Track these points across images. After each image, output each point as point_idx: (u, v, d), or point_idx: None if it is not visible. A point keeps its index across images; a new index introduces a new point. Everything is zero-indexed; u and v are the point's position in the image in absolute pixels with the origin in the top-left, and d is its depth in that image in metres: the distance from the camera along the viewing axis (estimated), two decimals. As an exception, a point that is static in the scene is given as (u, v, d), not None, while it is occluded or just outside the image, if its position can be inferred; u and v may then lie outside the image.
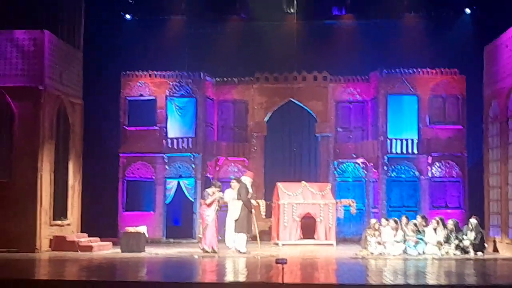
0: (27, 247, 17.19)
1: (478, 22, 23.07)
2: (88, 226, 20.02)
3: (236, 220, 17.25)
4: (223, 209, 18.12)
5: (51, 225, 18.18)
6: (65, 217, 19.05)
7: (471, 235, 17.27)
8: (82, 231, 19.61)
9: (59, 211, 18.73)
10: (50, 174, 18.18)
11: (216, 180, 20.35)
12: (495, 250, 18.11)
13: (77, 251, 17.58)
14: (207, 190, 18.01)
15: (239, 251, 17.11)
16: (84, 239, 18.75)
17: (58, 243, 17.98)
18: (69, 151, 19.46)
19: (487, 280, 12.52)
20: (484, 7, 22.66)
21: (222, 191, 18.06)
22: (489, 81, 19.08)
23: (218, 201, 17.64)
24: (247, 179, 17.74)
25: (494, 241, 18.31)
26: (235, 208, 17.32)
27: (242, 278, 12.36)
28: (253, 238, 18.34)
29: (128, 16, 24.71)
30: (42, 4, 19.18)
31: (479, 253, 16.98)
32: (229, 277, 12.60)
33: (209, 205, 17.50)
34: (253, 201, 17.84)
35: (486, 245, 17.82)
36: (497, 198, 18.42)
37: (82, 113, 20.15)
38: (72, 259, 15.79)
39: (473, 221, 17.57)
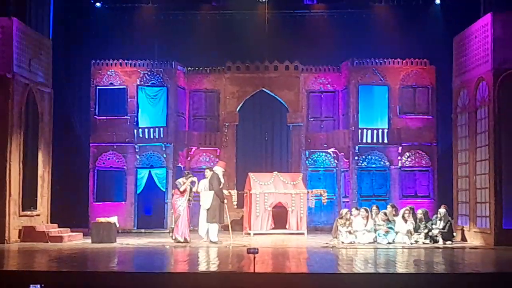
0: (-4, 238, 16.97)
1: (448, 12, 23.32)
2: (58, 216, 19.84)
3: (208, 210, 17.24)
4: (195, 199, 18.08)
5: (21, 216, 17.94)
6: (35, 207, 18.81)
7: (440, 224, 17.52)
8: (52, 222, 19.41)
9: (29, 202, 18.48)
10: (19, 164, 17.92)
11: (188, 171, 20.27)
12: (463, 238, 18.39)
13: (47, 242, 17.40)
14: (178, 180, 17.95)
15: (210, 240, 17.11)
16: (54, 229, 18.58)
17: (28, 233, 17.78)
18: (38, 141, 19.18)
19: (455, 268, 12.72)
20: (454, -2, 22.91)
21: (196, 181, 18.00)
22: (458, 72, 19.28)
23: (191, 190, 17.58)
24: (219, 169, 17.72)
25: (462, 230, 18.58)
26: (207, 198, 17.30)
27: (213, 267, 12.37)
28: (225, 228, 18.35)
29: (98, 4, 24.42)
30: (10, -9, 18.87)
31: (448, 242, 17.23)
32: (201, 267, 12.59)
33: (181, 194, 17.44)
34: (224, 191, 17.84)
35: (454, 234, 18.10)
36: (465, 188, 18.68)
37: (51, 102, 19.88)
38: (42, 250, 15.63)
39: (442, 210, 17.82)
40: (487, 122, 17.32)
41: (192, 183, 17.64)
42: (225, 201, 17.57)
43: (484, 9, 18.76)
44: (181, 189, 17.42)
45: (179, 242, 17.12)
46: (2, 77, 17.50)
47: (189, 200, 17.54)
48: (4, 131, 17.45)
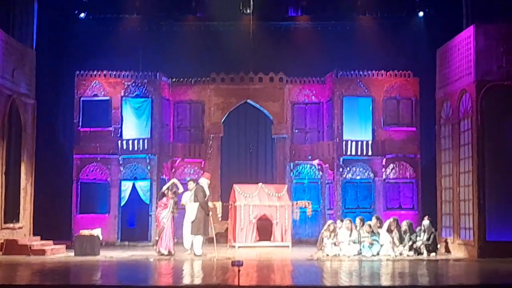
0: (-23, 251, 16.77)
1: (431, 24, 23.50)
2: (41, 229, 19.63)
3: (192, 222, 17.15)
4: (179, 211, 17.99)
5: (2, 228, 17.75)
6: (17, 220, 18.62)
7: (424, 236, 17.55)
8: (34, 234, 19.21)
9: (11, 214, 18.29)
10: (1, 176, 17.75)
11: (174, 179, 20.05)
12: (447, 250, 18.44)
13: (30, 255, 17.21)
14: (161, 191, 17.86)
15: (195, 253, 17.02)
16: (36, 242, 18.38)
17: (10, 246, 17.56)
18: (21, 152, 19.02)
19: (439, 280, 12.76)
20: (437, 10, 23.08)
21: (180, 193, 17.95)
22: (442, 84, 19.41)
23: (175, 203, 17.51)
24: (204, 181, 17.66)
25: (446, 242, 18.63)
26: (191, 210, 17.23)
27: (198, 280, 12.31)
28: (210, 240, 18.28)
29: (82, 15, 24.32)
30: (-7, 2, 18.78)
31: (432, 254, 17.27)
32: (185, 280, 12.52)
33: (165, 206, 17.36)
34: (209, 204, 17.78)
35: (438, 245, 18.14)
36: (449, 199, 18.76)
37: (34, 113, 19.74)
38: (24, 263, 15.47)
39: (426, 222, 17.85)
40: (470, 134, 17.43)
41: (175, 187, 17.55)
42: (210, 213, 17.51)
43: (467, 21, 18.97)
44: (163, 189, 17.29)
45: (163, 254, 17.03)
46: (-15, 88, 17.36)
47: (172, 212, 17.46)
48: (-14, 143, 17.29)
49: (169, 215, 17.33)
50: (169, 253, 17.08)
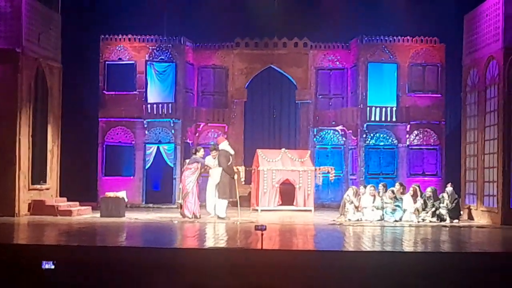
0: (6, 211, 17.11)
1: (459, -10, 23.07)
2: (67, 190, 19.97)
3: (217, 185, 17.28)
4: (203, 175, 18.13)
5: (30, 190, 18.09)
6: (44, 181, 18.95)
7: (447, 202, 17.55)
8: (61, 196, 19.56)
9: (38, 175, 18.62)
10: (28, 138, 18.02)
11: (198, 147, 20.17)
12: (470, 217, 18.43)
13: (56, 216, 17.56)
14: (195, 157, 17.80)
15: (218, 216, 17.20)
16: (63, 203, 18.72)
17: (37, 207, 17.92)
18: (47, 115, 19.26)
19: (462, 247, 12.76)
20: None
21: (203, 157, 18.06)
22: (469, 50, 19.17)
23: (201, 168, 17.60)
24: (224, 144, 17.69)
25: (469, 209, 18.61)
26: (216, 174, 17.34)
27: (221, 243, 12.46)
28: (233, 204, 18.44)
29: (107, -22, 24.26)
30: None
31: (455, 221, 17.28)
32: (209, 243, 12.69)
33: (193, 172, 17.48)
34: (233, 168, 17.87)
35: (461, 212, 18.14)
36: (473, 167, 18.67)
37: (60, 77, 19.91)
38: (51, 224, 15.77)
39: (449, 189, 17.84)
40: (497, 101, 17.26)
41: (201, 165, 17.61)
42: (236, 176, 17.60)
43: (496, -13, 18.58)
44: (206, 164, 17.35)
45: (188, 217, 17.23)
46: (12, 52, 17.52)
47: (198, 177, 17.61)
48: (13, 105, 17.53)
49: (195, 180, 17.48)
50: (194, 216, 17.28)
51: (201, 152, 17.92)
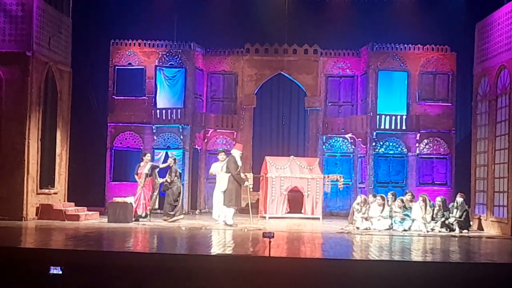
0: (14, 215, 17.13)
1: (471, -2, 22.98)
2: (75, 195, 19.96)
3: (224, 192, 17.23)
4: (211, 181, 18.16)
5: (38, 194, 18.10)
6: (52, 185, 18.95)
7: (457, 212, 17.42)
8: (69, 200, 19.55)
9: (46, 179, 18.62)
10: (37, 142, 18.04)
11: (145, 152, 20.47)
12: (480, 228, 18.27)
13: (64, 220, 17.55)
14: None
15: (226, 223, 17.14)
16: (71, 208, 18.71)
17: (45, 211, 17.93)
18: (56, 119, 19.28)
19: (471, 257, 12.65)
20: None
21: (208, 162, 18.25)
22: (480, 59, 19.05)
23: (147, 175, 18.26)
24: (236, 152, 17.67)
25: (479, 219, 18.45)
26: (222, 181, 17.29)
27: (229, 250, 12.39)
28: (241, 211, 18.37)
29: (118, -17, 24.31)
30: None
31: (464, 231, 17.14)
32: (216, 250, 12.62)
33: (139, 177, 18.27)
34: (241, 175, 17.83)
35: (471, 222, 17.98)
36: (483, 176, 18.52)
37: (70, 81, 19.95)
38: (59, 228, 15.76)
39: (459, 199, 17.69)
40: (508, 111, 17.11)
41: (153, 167, 18.46)
42: (246, 182, 17.58)
43: (508, -5, 18.48)
44: (138, 171, 18.30)
45: (140, 216, 17.93)
46: (22, 55, 17.57)
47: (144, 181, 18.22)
48: (23, 109, 17.56)
49: (142, 184, 18.19)
50: (146, 215, 17.96)
51: (147, 157, 18.61)
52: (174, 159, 19.19)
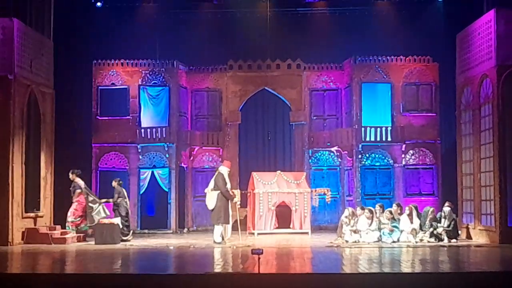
0: (-1, 240, 16.91)
1: (451, 9, 23.10)
2: (61, 217, 19.72)
3: (212, 210, 17.15)
4: (200, 199, 18.04)
5: (24, 218, 17.86)
6: (38, 209, 18.75)
7: (445, 222, 17.44)
8: (55, 223, 19.34)
9: (32, 203, 18.42)
10: (21, 165, 17.84)
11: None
12: (468, 236, 18.31)
13: (51, 244, 17.34)
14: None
15: (214, 241, 17.03)
16: (57, 231, 18.51)
17: (31, 235, 17.70)
18: (40, 142, 19.11)
19: (460, 267, 12.65)
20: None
21: (195, 180, 18.11)
22: (462, 69, 19.19)
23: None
24: (224, 169, 17.60)
25: (467, 228, 18.50)
26: (211, 199, 17.19)
27: (218, 268, 12.30)
28: (235, 228, 18.30)
29: (99, 4, 24.28)
30: (10, -8, 18.80)
31: (453, 240, 17.15)
32: (206, 268, 12.52)
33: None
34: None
35: (459, 232, 18.01)
36: (470, 185, 18.59)
37: (53, 103, 19.81)
38: (46, 252, 15.58)
39: (446, 208, 17.73)
40: (491, 119, 17.24)
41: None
42: (235, 199, 17.50)
43: (487, 5, 18.64)
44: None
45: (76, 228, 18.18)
46: (4, 78, 17.43)
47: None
48: (6, 133, 17.39)
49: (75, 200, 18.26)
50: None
51: (71, 175, 18.52)
52: (118, 181, 19.07)
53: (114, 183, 19.10)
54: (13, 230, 17.27)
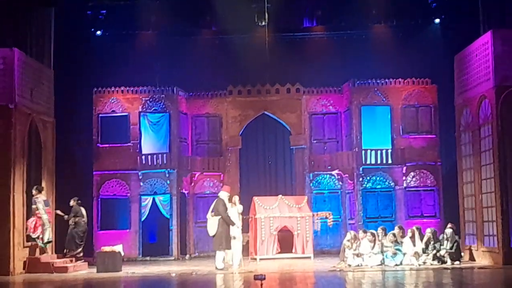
0: (0, 270, 16.80)
1: (448, 31, 23.29)
2: (63, 246, 19.66)
3: (213, 237, 17.09)
4: (202, 225, 17.95)
5: (25, 247, 17.80)
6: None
7: (447, 244, 17.36)
8: (56, 252, 19.26)
9: (33, 232, 18.33)
10: (22, 194, 17.80)
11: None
12: (471, 258, 18.21)
13: (52, 273, 17.23)
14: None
15: (216, 267, 16.95)
16: (59, 260, 18.41)
17: (33, 265, 17.59)
18: (41, 170, 19.11)
19: (465, 289, 12.59)
20: (453, 16, 22.90)
21: (196, 206, 18.02)
22: (460, 90, 19.25)
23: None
24: (224, 194, 17.59)
25: (470, 249, 18.41)
26: (212, 225, 17.14)
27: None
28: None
29: (98, 32, 24.46)
30: (10, 22, 18.91)
31: (456, 262, 17.07)
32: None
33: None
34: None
35: (462, 253, 17.93)
36: (471, 207, 18.55)
37: (54, 131, 19.84)
38: (47, 281, 15.50)
39: (448, 230, 17.67)
40: (491, 140, 17.25)
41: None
42: (235, 225, 17.42)
43: (484, 27, 18.79)
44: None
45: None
46: (4, 108, 17.47)
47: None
48: (7, 162, 17.37)
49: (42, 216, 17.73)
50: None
51: (34, 191, 17.98)
52: (76, 200, 19.07)
53: (72, 202, 19.01)
54: (14, 259, 17.17)
